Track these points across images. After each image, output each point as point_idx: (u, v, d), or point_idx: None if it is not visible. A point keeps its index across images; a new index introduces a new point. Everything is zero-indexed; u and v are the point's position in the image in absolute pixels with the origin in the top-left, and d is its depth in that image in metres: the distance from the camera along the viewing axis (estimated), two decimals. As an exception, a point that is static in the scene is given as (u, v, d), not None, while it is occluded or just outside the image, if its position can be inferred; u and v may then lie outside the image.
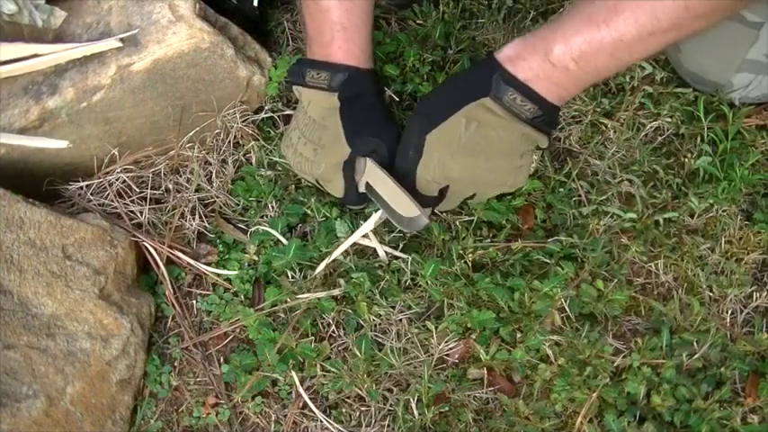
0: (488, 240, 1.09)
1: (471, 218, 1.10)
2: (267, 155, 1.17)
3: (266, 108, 1.18)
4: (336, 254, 1.06)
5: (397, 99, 1.19)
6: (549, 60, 0.93)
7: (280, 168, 1.17)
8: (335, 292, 1.05)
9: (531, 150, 1.04)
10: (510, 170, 1.03)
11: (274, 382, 1.04)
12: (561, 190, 1.15)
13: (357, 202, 1.09)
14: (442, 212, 1.11)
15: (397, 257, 1.09)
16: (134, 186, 1.13)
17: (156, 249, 1.08)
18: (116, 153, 1.12)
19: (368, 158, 1.03)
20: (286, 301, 1.06)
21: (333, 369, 1.03)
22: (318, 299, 1.04)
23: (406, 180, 1.02)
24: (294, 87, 1.09)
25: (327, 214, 1.11)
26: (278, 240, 1.09)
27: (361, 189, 1.06)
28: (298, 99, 1.11)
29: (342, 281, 1.06)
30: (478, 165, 1.01)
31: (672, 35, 0.90)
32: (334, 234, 1.09)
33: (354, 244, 1.08)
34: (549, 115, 0.98)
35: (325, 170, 1.06)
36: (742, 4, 0.96)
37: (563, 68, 0.93)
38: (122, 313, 1.03)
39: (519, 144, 1.02)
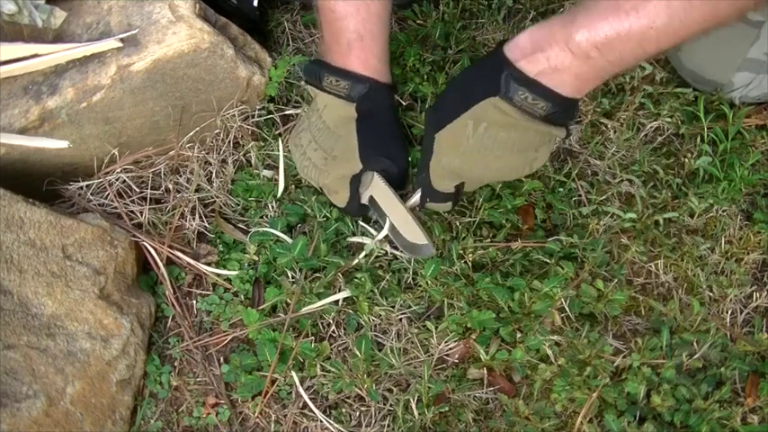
0: (488, 240, 1.09)
1: (472, 218, 1.10)
2: (267, 155, 1.17)
3: (266, 108, 1.18)
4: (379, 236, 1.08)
5: (397, 99, 1.19)
6: (568, 48, 0.85)
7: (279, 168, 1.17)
8: (341, 295, 1.05)
9: (547, 142, 0.97)
10: (524, 163, 0.98)
11: (274, 382, 1.04)
12: (561, 190, 1.15)
13: (358, 213, 1.09)
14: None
15: (397, 257, 1.09)
16: (134, 186, 1.12)
17: (156, 249, 1.08)
18: (116, 153, 1.12)
19: (375, 173, 1.04)
20: (287, 302, 1.06)
21: (333, 369, 1.03)
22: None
23: (423, 176, 1.01)
24: (309, 87, 1.08)
25: (327, 215, 1.11)
26: (278, 240, 1.09)
27: (364, 200, 1.06)
28: (311, 97, 1.10)
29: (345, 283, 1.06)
30: (489, 164, 0.97)
31: (704, 25, 0.83)
32: (334, 232, 1.09)
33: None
34: (566, 109, 0.92)
35: (332, 181, 1.06)
36: None
37: (584, 57, 0.85)
38: (122, 313, 1.03)
39: (533, 140, 0.95)
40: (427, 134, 1.00)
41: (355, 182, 1.05)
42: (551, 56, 0.87)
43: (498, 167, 0.98)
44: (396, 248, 1.08)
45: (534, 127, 0.93)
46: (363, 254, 1.06)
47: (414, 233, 1.04)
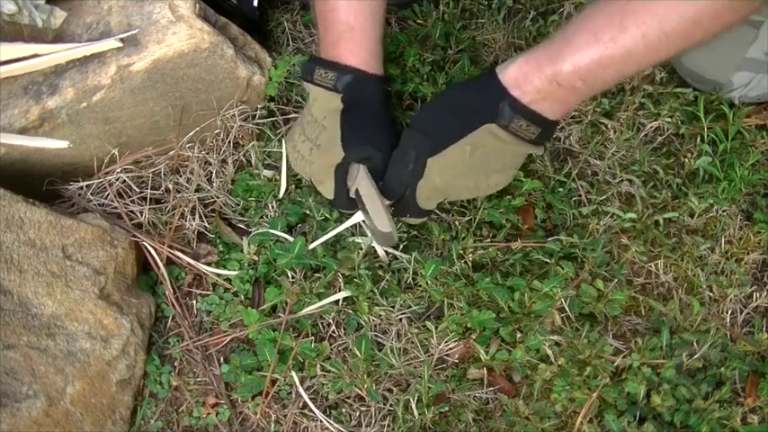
0: (488, 240, 1.09)
1: (471, 218, 1.10)
2: (267, 155, 1.17)
3: (266, 108, 1.18)
4: (331, 234, 1.08)
5: (398, 99, 1.19)
6: (555, 81, 0.92)
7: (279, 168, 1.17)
8: (341, 295, 1.05)
9: (524, 158, 1.06)
10: (506, 178, 1.05)
11: (274, 382, 1.04)
12: (561, 190, 1.15)
13: (347, 206, 1.08)
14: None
15: (397, 257, 1.09)
16: (134, 186, 1.12)
17: (156, 249, 1.08)
18: (116, 153, 1.12)
19: (362, 165, 1.04)
20: (286, 302, 1.06)
21: (333, 369, 1.03)
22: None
23: (405, 190, 1.02)
24: (304, 83, 1.09)
25: (327, 215, 1.11)
26: (278, 240, 1.09)
27: (352, 194, 1.06)
28: (307, 95, 1.10)
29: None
30: (479, 182, 1.03)
31: (680, 46, 0.89)
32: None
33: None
34: (549, 130, 0.99)
35: (317, 170, 1.07)
36: (746, 16, 0.95)
37: (570, 87, 0.92)
38: (122, 313, 1.03)
39: (517, 159, 1.03)
40: (409, 155, 1.01)
41: (340, 172, 1.05)
42: (541, 88, 0.93)
43: (486, 185, 1.04)
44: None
45: (522, 149, 1.00)
46: (362, 253, 1.06)
47: (381, 221, 1.03)
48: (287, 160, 1.13)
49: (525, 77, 0.94)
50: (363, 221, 1.07)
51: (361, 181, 1.04)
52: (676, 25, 0.85)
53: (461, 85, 1.10)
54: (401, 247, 1.10)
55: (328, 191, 1.07)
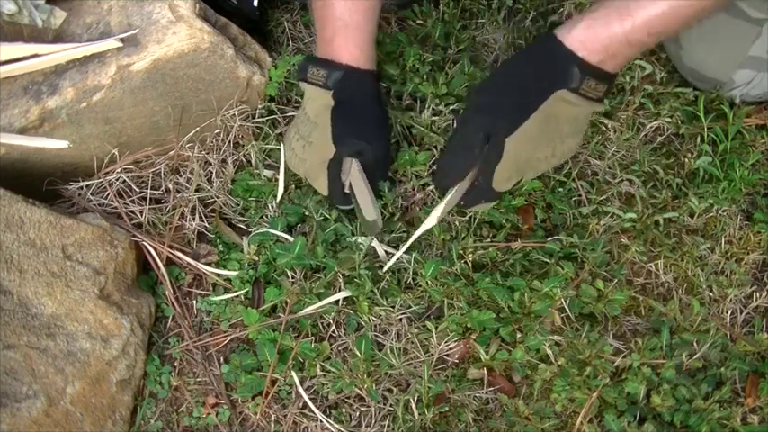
0: (488, 240, 1.09)
1: (471, 218, 1.10)
2: (267, 155, 1.17)
3: (266, 108, 1.18)
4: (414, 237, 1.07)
5: (397, 99, 1.19)
6: (626, 38, 0.92)
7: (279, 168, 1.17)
8: (341, 295, 1.05)
9: (589, 117, 1.06)
10: (578, 141, 1.05)
11: (274, 382, 1.04)
12: (561, 190, 1.15)
13: (342, 202, 1.08)
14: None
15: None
16: (134, 186, 1.13)
17: (156, 249, 1.08)
18: (116, 153, 1.12)
19: (354, 159, 1.04)
20: (286, 302, 1.06)
21: (333, 369, 1.03)
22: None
23: (466, 175, 1.01)
24: (300, 83, 1.09)
25: (326, 215, 1.11)
26: (278, 240, 1.09)
27: (347, 189, 1.06)
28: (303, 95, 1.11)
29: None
30: (555, 150, 1.01)
31: None
32: (333, 232, 1.09)
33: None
34: (612, 84, 0.99)
35: (310, 167, 1.07)
36: None
37: (638, 43, 0.93)
38: (122, 313, 1.03)
39: (586, 119, 1.03)
40: (476, 138, 0.99)
41: (333, 167, 1.05)
42: (609, 45, 0.94)
43: (562, 151, 1.03)
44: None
45: (590, 109, 1.00)
46: (362, 253, 1.06)
47: (369, 209, 1.04)
48: (285, 161, 1.13)
49: (594, 36, 0.94)
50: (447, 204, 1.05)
51: (353, 174, 1.04)
52: None
53: (519, 57, 1.08)
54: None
55: (322, 187, 1.07)
